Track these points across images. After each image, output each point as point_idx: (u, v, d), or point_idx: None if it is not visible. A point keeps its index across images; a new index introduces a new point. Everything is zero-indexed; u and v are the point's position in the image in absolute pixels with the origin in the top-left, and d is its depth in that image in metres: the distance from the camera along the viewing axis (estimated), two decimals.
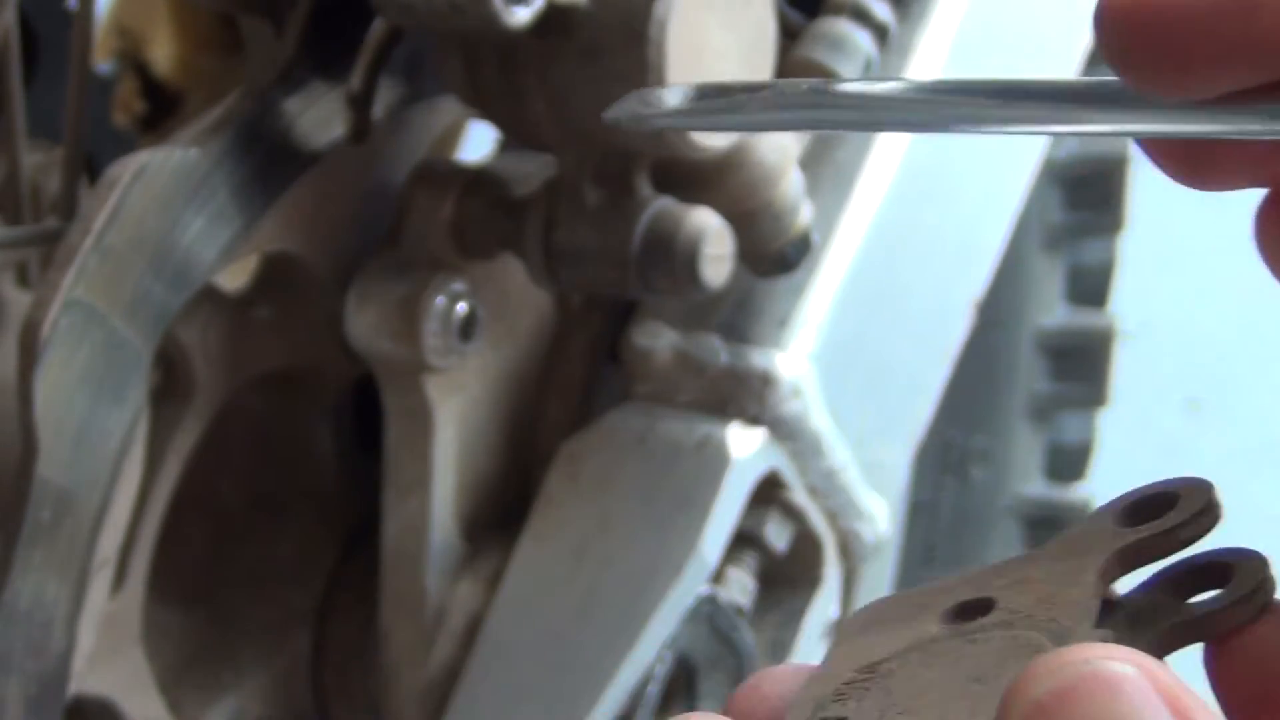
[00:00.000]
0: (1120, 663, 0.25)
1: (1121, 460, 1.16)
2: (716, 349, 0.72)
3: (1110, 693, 0.25)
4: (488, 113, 0.65)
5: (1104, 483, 1.12)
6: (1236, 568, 0.32)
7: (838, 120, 0.34)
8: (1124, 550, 0.32)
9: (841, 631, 0.36)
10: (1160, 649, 0.32)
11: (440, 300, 0.67)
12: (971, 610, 0.33)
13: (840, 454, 0.76)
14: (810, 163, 0.74)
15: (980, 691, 0.29)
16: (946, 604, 0.34)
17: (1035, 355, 1.09)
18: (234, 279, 0.72)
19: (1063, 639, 0.30)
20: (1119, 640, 0.31)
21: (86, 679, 0.66)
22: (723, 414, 0.72)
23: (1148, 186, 1.20)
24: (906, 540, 1.00)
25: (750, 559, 0.74)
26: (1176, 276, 1.69)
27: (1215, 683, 0.31)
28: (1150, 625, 0.32)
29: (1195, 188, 0.32)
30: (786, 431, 0.73)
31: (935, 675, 0.31)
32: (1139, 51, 0.29)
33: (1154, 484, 0.34)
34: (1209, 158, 0.32)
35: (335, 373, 0.75)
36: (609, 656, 0.69)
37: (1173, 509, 0.33)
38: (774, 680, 0.33)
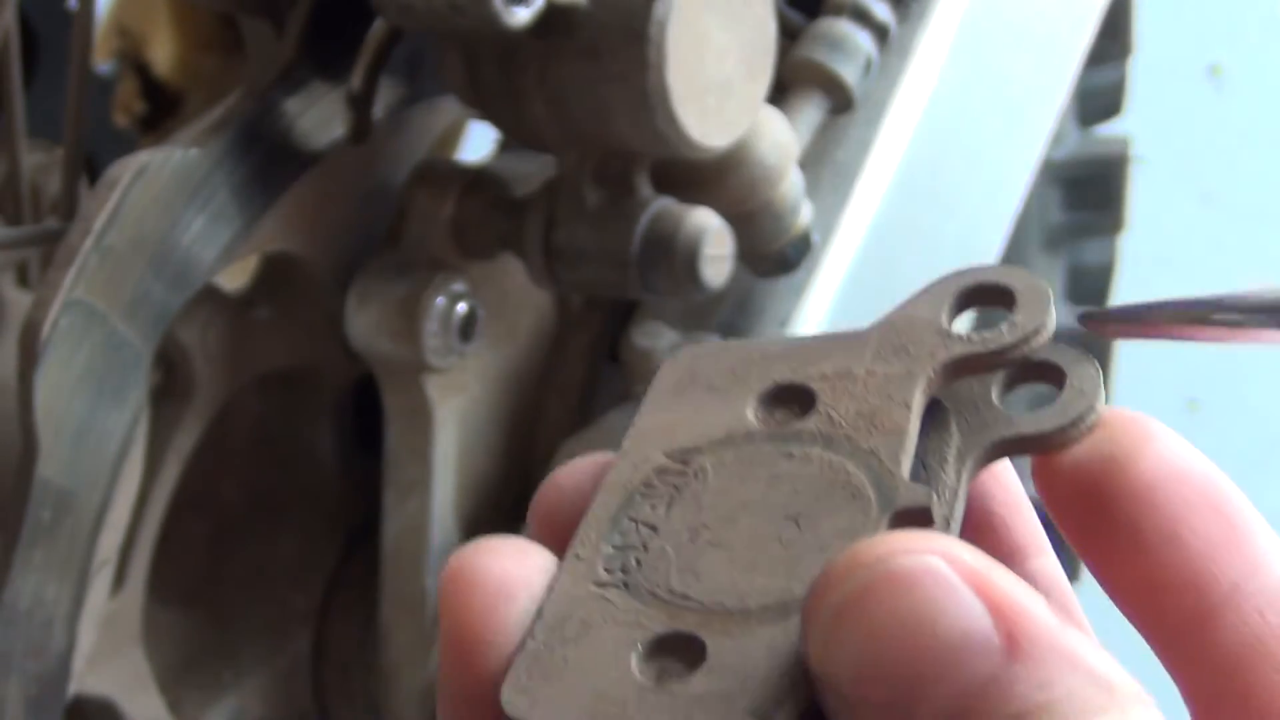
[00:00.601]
0: (917, 555, 0.25)
1: None
2: None
3: (907, 589, 0.25)
4: (488, 113, 0.65)
5: None
6: (1069, 376, 0.31)
7: None
8: (952, 363, 0.31)
9: (654, 387, 0.34)
10: (986, 461, 0.31)
11: (440, 300, 0.67)
12: (789, 399, 0.32)
13: None
14: (810, 163, 0.74)
15: (795, 540, 0.29)
16: (764, 380, 0.32)
17: None
18: (234, 279, 0.72)
19: (880, 485, 0.29)
20: (942, 464, 0.31)
21: (86, 679, 0.66)
22: None
23: (1148, 186, 1.21)
24: None
25: None
26: (1176, 276, 1.69)
27: (1041, 491, 0.31)
28: (978, 440, 0.31)
29: None
30: None
31: (749, 494, 0.30)
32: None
33: (988, 270, 0.33)
34: None
35: (335, 373, 0.75)
36: None
37: (1009, 309, 0.32)
38: (572, 473, 0.33)
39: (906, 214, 0.79)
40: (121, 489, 0.62)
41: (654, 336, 0.73)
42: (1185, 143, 1.69)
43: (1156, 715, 0.24)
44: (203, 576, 0.76)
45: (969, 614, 0.24)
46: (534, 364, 0.76)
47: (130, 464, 0.63)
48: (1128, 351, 1.15)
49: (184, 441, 0.69)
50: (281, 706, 0.78)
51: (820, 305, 0.74)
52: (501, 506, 0.76)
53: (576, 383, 0.77)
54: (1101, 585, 0.30)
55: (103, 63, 1.00)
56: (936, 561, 0.25)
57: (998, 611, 0.25)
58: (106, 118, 0.97)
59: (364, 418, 0.77)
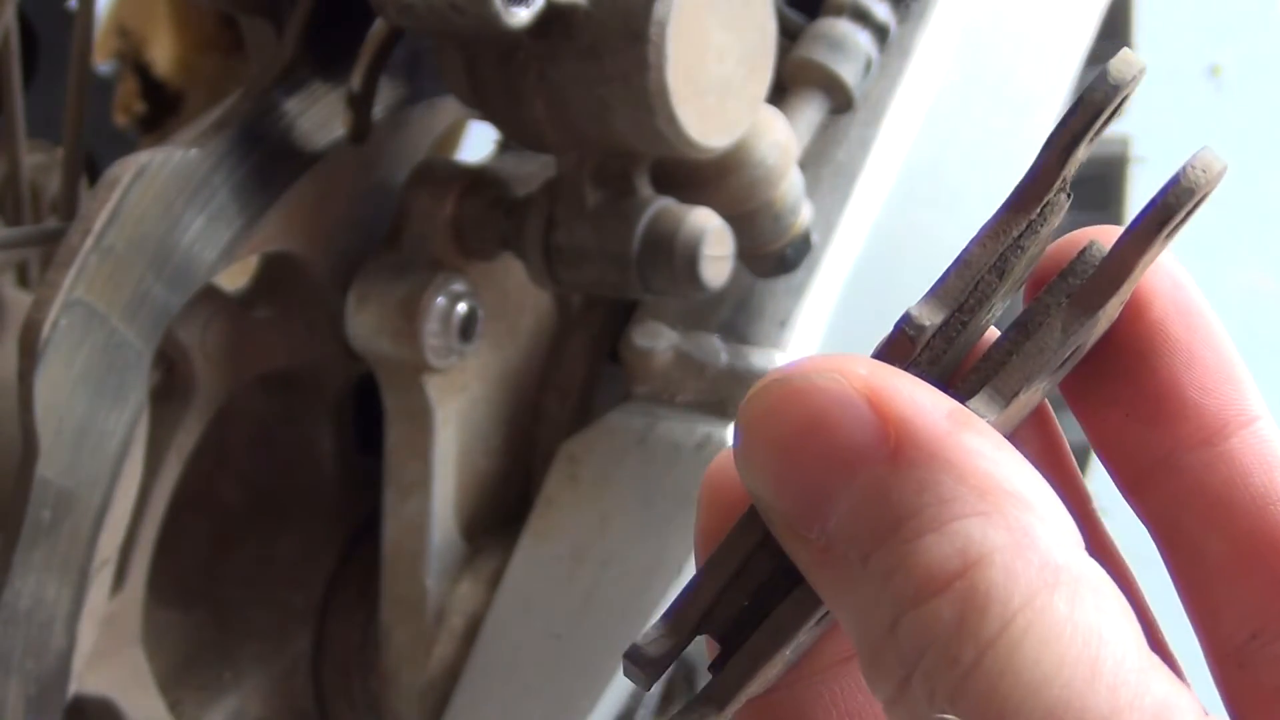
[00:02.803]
0: (815, 374, 0.27)
1: None
2: (716, 349, 0.72)
3: (803, 405, 0.27)
4: (488, 113, 0.65)
5: (1104, 481, 1.12)
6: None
7: None
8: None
9: None
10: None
11: (440, 300, 0.67)
12: None
13: None
14: (810, 163, 0.74)
15: None
16: None
17: None
18: (234, 279, 0.72)
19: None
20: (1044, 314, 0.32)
21: (86, 679, 0.66)
22: (723, 414, 0.72)
23: (1148, 186, 1.20)
24: None
25: None
26: None
27: None
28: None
29: None
30: None
31: None
32: None
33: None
34: None
35: (335, 373, 0.75)
36: (609, 656, 0.69)
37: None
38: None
39: (906, 214, 0.79)
40: (121, 489, 0.62)
41: (654, 336, 0.73)
42: (1185, 143, 1.69)
43: (1030, 519, 0.25)
44: (203, 576, 0.76)
45: (859, 424, 0.26)
46: (534, 364, 0.76)
47: (130, 464, 0.63)
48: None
49: (184, 441, 0.69)
50: (281, 706, 0.78)
51: (820, 305, 0.74)
52: (501, 506, 0.76)
53: (576, 383, 0.77)
54: None
55: (103, 63, 1.00)
56: (830, 378, 0.26)
57: (887, 420, 0.26)
58: (106, 118, 0.97)
59: (364, 418, 0.77)
